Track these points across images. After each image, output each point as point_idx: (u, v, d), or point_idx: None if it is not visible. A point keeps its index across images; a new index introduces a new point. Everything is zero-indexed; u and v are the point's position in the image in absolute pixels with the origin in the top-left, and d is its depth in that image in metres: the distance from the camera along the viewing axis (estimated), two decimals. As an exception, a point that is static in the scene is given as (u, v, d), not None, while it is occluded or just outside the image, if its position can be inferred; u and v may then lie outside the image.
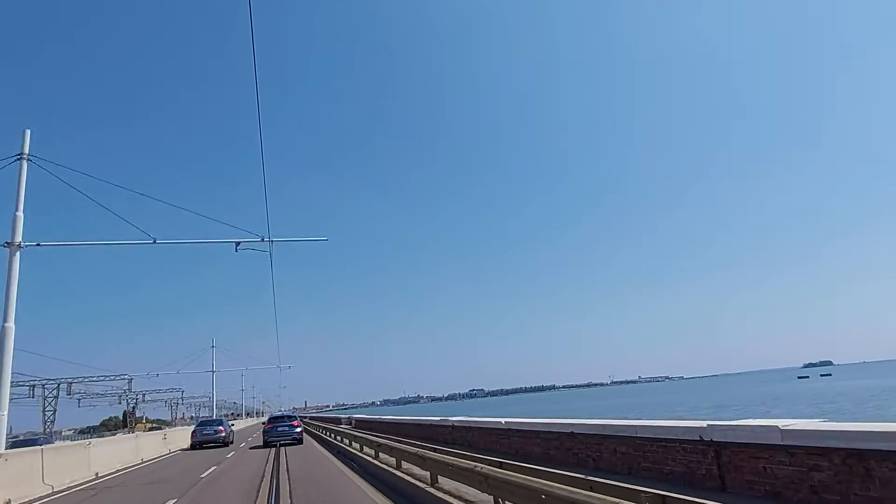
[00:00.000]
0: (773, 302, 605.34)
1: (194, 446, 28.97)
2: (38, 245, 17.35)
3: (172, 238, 20.79)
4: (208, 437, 29.39)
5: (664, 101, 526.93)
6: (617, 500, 4.13)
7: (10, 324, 15.62)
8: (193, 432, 30.37)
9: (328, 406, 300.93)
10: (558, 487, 4.83)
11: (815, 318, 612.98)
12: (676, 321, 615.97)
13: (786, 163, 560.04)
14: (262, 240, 19.49)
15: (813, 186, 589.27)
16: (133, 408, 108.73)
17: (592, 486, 4.84)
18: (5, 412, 15.07)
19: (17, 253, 16.22)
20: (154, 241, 18.87)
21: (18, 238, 16.31)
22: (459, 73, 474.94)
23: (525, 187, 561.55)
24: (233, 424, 43.03)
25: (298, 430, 26.80)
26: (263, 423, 32.81)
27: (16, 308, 15.84)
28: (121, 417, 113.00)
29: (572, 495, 4.50)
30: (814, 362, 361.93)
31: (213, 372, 60.09)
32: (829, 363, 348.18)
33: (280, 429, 26.53)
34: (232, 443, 30.75)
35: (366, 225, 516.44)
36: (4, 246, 16.24)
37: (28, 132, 17.07)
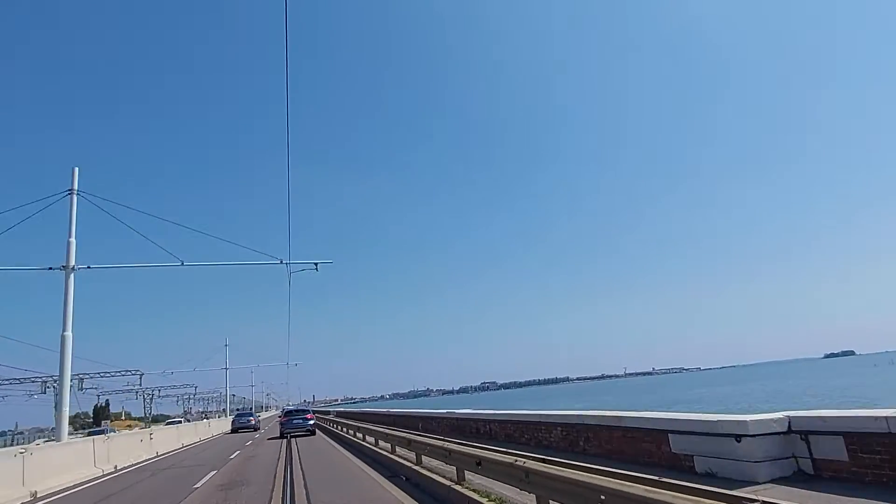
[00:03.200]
0: (788, 292, 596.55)
1: (234, 430, 39.19)
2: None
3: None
4: (243, 424, 40.13)
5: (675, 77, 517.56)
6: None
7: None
8: (233, 420, 41.99)
9: (336, 399, 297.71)
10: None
11: (833, 308, 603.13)
12: (688, 313, 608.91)
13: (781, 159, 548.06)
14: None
15: (824, 176, 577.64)
16: (106, 402, 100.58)
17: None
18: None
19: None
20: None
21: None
22: (472, 58, 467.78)
23: (531, 178, 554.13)
24: (259, 415, 52.49)
25: (311, 422, 29.42)
26: (279, 417, 35.50)
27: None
28: (91, 413, 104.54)
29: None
30: (835, 352, 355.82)
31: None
32: (852, 353, 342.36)
33: (295, 421, 29.09)
34: (259, 429, 40.39)
35: (373, 215, 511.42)
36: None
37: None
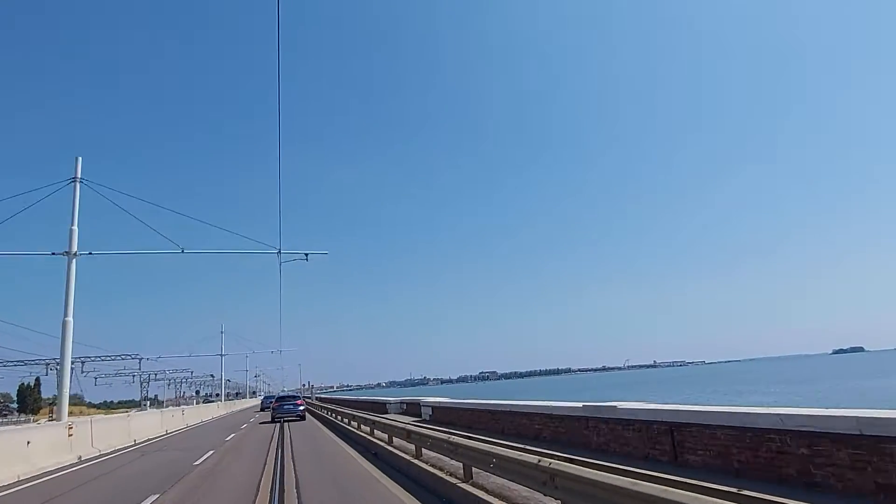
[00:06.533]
0: (796, 287, 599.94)
1: (263, 409, 52.00)
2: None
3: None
4: (269, 405, 49.00)
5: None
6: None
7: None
8: (262, 401, 59.83)
9: (332, 387, 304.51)
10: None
11: (842, 304, 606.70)
12: (691, 306, 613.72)
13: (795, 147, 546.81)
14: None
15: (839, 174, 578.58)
16: (36, 381, 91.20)
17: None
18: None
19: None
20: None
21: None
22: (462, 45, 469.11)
23: (532, 170, 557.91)
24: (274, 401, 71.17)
25: (301, 408, 32.24)
26: (272, 402, 37.83)
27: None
28: (14, 395, 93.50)
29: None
30: (844, 348, 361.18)
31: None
32: (861, 349, 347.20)
33: (286, 407, 31.81)
34: None
35: (373, 202, 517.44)
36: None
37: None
